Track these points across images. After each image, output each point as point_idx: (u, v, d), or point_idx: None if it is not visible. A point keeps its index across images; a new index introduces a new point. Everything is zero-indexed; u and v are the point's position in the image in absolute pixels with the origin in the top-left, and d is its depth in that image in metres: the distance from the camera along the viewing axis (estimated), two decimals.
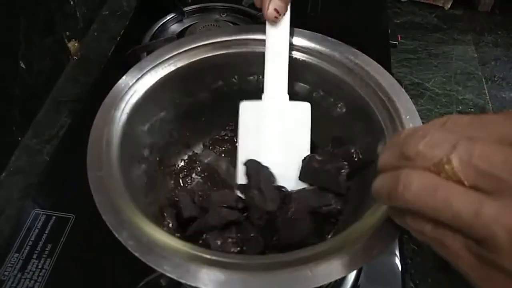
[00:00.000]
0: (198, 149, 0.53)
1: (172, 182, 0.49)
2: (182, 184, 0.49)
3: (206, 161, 0.52)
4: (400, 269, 0.53)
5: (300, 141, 0.46)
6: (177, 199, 0.44)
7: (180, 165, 0.51)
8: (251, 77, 0.51)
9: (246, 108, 0.47)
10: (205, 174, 0.51)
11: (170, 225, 0.40)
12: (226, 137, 0.54)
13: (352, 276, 0.53)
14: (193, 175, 0.51)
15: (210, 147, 0.53)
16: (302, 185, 0.45)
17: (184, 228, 0.43)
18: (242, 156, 0.46)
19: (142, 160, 0.44)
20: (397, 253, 0.55)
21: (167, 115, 0.47)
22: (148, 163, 0.45)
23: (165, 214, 0.41)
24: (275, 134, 0.46)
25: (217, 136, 0.54)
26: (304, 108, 0.46)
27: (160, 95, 0.44)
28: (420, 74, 0.88)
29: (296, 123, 0.46)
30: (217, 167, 0.51)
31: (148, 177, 0.44)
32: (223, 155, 0.53)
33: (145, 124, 0.44)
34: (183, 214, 0.42)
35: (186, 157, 0.52)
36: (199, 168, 0.51)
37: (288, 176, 0.46)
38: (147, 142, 0.45)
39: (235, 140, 0.53)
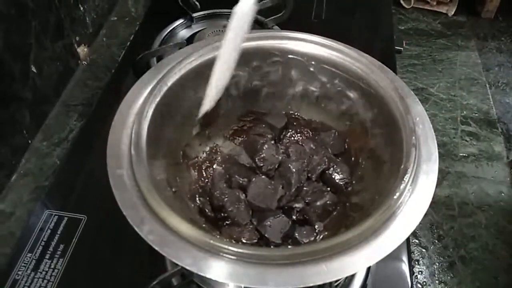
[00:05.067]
0: (219, 140, 0.54)
1: (196, 173, 0.50)
2: (204, 175, 0.50)
3: (226, 152, 0.53)
4: (408, 271, 0.54)
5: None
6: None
7: (202, 157, 0.52)
8: (267, 69, 0.52)
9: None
10: (226, 164, 0.51)
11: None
12: (245, 128, 0.55)
13: (359, 279, 0.53)
14: (215, 165, 0.52)
15: (230, 138, 0.54)
16: None
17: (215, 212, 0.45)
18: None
19: (166, 154, 0.45)
20: (404, 255, 0.55)
21: (188, 110, 0.48)
22: (172, 156, 0.46)
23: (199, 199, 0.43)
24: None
25: (236, 127, 0.55)
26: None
27: (181, 91, 0.45)
28: (425, 79, 0.89)
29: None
30: (237, 157, 0.52)
31: (172, 170, 0.45)
32: (242, 145, 0.54)
33: (168, 119, 0.45)
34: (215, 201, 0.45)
35: (207, 148, 0.52)
36: (220, 159, 0.52)
37: None
38: (170, 137, 0.46)
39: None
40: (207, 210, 0.45)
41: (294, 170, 0.48)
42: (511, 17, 1.07)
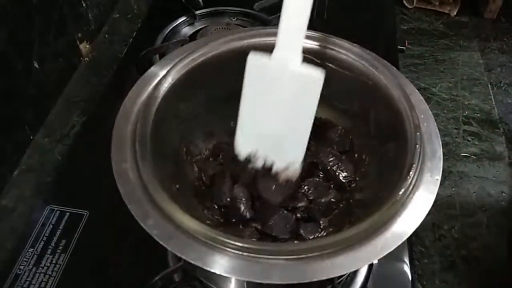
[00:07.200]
0: (223, 137, 0.53)
1: (199, 170, 0.49)
2: (208, 172, 0.50)
3: (230, 148, 0.52)
4: (409, 270, 0.54)
5: (304, 112, 0.42)
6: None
7: (205, 154, 0.51)
8: None
9: (253, 63, 0.40)
10: (227, 162, 0.51)
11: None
12: None
13: (361, 277, 0.53)
14: (218, 164, 0.51)
15: (234, 135, 0.54)
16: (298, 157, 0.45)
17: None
18: (243, 119, 0.44)
19: (170, 151, 0.45)
20: (406, 254, 0.55)
21: (192, 106, 0.48)
22: (175, 153, 0.46)
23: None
24: (279, 99, 0.41)
25: None
26: (315, 76, 0.39)
27: (185, 87, 0.45)
28: (427, 79, 0.89)
29: (303, 90, 0.40)
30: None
31: (175, 166, 0.45)
32: None
33: (172, 114, 0.45)
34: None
35: (211, 145, 0.52)
36: (223, 156, 0.51)
37: (285, 147, 0.44)
38: (174, 134, 0.46)
39: None
40: (214, 214, 0.45)
41: None
42: None
